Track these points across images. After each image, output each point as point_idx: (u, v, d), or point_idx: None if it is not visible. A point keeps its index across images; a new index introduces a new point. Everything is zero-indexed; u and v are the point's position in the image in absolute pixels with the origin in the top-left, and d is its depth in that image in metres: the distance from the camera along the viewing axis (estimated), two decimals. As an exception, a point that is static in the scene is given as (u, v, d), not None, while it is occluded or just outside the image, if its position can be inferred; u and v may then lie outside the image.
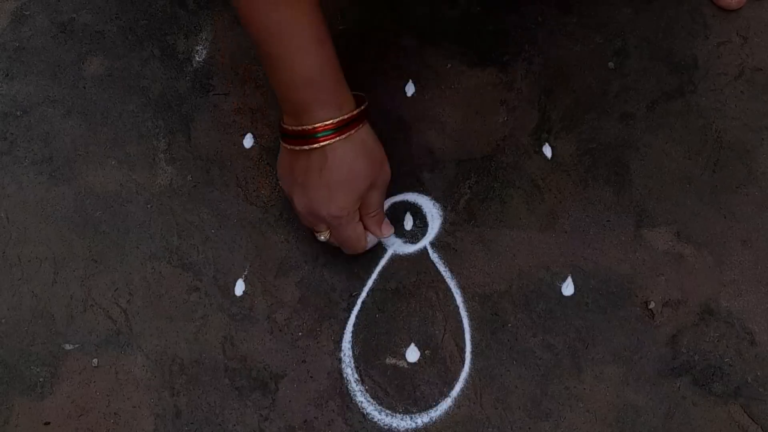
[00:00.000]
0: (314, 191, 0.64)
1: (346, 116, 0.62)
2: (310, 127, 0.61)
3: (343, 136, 0.62)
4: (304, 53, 0.60)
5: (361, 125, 0.64)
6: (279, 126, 0.66)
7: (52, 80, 0.88)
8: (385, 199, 0.75)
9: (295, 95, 0.61)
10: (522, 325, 0.74)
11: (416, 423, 0.70)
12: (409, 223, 0.79)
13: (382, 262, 0.77)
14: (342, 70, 0.64)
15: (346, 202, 0.65)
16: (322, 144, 0.61)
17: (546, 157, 0.82)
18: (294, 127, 0.63)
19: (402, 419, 0.70)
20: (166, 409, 0.72)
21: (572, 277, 0.76)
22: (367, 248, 0.74)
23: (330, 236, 0.70)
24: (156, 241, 0.79)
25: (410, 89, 0.87)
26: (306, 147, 0.62)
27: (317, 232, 0.71)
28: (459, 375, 0.72)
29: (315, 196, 0.64)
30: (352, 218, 0.67)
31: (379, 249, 0.78)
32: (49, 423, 0.71)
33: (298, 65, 0.60)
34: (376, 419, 0.70)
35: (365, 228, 0.70)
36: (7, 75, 0.89)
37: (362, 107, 0.65)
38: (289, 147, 0.64)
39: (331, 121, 0.61)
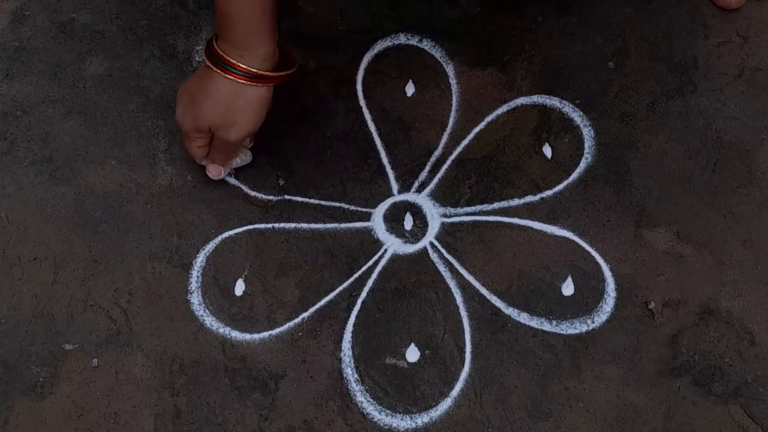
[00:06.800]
0: (182, 98, 0.76)
1: (252, 70, 0.71)
2: (226, 58, 0.71)
3: (233, 78, 0.71)
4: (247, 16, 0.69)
5: (260, 84, 0.72)
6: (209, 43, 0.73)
7: (52, 80, 0.88)
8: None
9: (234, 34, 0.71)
10: (522, 325, 0.74)
11: (416, 423, 0.70)
12: (409, 223, 0.79)
13: (382, 262, 0.77)
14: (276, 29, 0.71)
15: (187, 120, 0.75)
16: (227, 76, 0.71)
17: (546, 157, 0.82)
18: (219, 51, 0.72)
19: (402, 419, 0.70)
20: (166, 409, 0.72)
21: (572, 277, 0.76)
22: (214, 177, 0.80)
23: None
24: (156, 241, 0.79)
25: (410, 89, 0.87)
26: (218, 71, 0.72)
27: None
28: (459, 375, 0.72)
29: (180, 100, 0.76)
30: (190, 138, 0.77)
31: (379, 249, 0.78)
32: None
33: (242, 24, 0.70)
34: (376, 419, 0.70)
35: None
36: (7, 75, 0.89)
37: (270, 73, 0.72)
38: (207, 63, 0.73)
39: (246, 67, 0.71)
